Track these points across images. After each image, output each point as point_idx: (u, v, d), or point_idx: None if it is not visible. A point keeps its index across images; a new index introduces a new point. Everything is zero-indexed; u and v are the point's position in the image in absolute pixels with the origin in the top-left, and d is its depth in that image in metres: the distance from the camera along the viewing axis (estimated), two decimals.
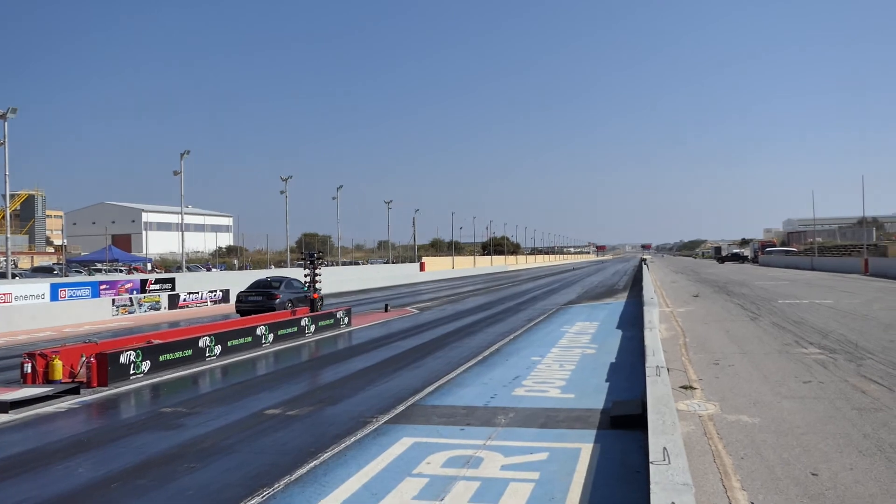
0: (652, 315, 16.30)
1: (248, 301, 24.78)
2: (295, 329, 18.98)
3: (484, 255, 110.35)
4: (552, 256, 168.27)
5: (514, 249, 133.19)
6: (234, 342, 16.08)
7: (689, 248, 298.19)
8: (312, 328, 19.73)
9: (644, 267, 49.78)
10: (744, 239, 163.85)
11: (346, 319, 21.75)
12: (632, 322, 19.97)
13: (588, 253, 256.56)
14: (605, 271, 75.94)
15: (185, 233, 44.26)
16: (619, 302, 29.26)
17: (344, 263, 61.47)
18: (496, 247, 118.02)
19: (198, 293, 32.25)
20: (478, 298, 34.72)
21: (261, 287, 25.71)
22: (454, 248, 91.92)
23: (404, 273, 61.42)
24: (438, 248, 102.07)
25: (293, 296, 25.20)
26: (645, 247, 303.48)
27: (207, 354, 14.99)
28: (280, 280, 26.25)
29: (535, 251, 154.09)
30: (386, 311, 26.56)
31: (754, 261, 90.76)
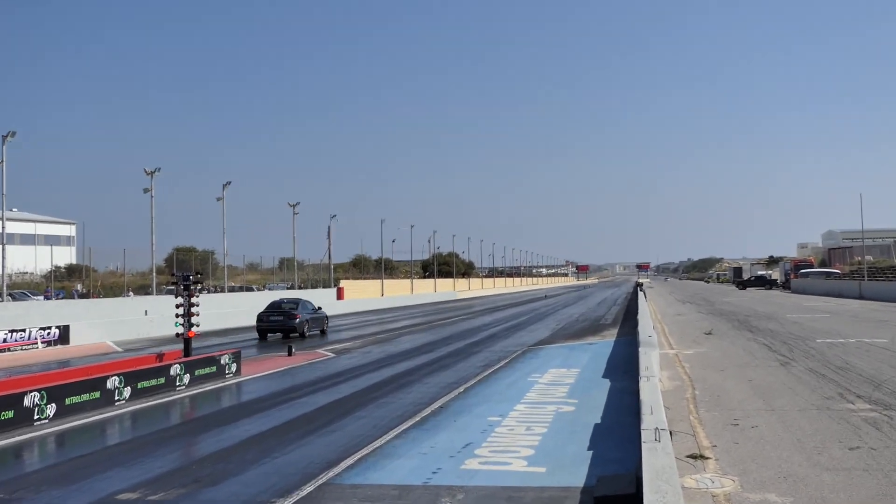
0: (650, 359, 16.47)
1: (270, 321, 34.25)
2: (162, 380, 18.65)
3: (425, 277, 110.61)
4: (518, 280, 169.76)
5: (466, 270, 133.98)
6: (75, 399, 15.71)
7: (699, 269, 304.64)
8: (186, 379, 19.41)
9: (640, 294, 50.48)
10: (771, 257, 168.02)
11: (235, 366, 21.50)
12: (623, 369, 20.19)
13: (566, 275, 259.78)
14: (588, 300, 76.76)
15: (8, 246, 43.10)
16: (606, 341, 29.60)
17: (232, 289, 60.71)
18: (441, 267, 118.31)
19: (24, 331, 31.45)
20: (416, 337, 34.74)
21: (279, 308, 34.84)
22: (384, 269, 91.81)
23: (316, 302, 60.87)
24: (363, 268, 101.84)
25: (309, 316, 35.44)
26: (641, 267, 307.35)
27: (36, 417, 14.60)
28: (295, 301, 36.09)
29: (493, 272, 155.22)
30: (290, 354, 26.38)
31: (785, 286, 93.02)
